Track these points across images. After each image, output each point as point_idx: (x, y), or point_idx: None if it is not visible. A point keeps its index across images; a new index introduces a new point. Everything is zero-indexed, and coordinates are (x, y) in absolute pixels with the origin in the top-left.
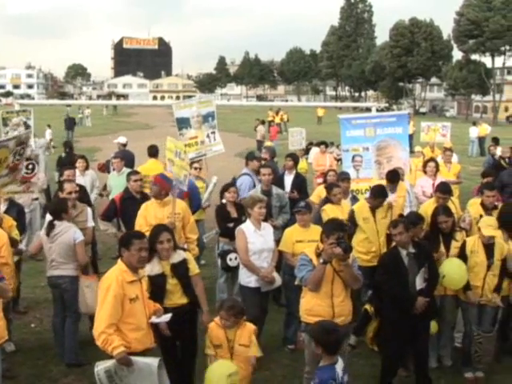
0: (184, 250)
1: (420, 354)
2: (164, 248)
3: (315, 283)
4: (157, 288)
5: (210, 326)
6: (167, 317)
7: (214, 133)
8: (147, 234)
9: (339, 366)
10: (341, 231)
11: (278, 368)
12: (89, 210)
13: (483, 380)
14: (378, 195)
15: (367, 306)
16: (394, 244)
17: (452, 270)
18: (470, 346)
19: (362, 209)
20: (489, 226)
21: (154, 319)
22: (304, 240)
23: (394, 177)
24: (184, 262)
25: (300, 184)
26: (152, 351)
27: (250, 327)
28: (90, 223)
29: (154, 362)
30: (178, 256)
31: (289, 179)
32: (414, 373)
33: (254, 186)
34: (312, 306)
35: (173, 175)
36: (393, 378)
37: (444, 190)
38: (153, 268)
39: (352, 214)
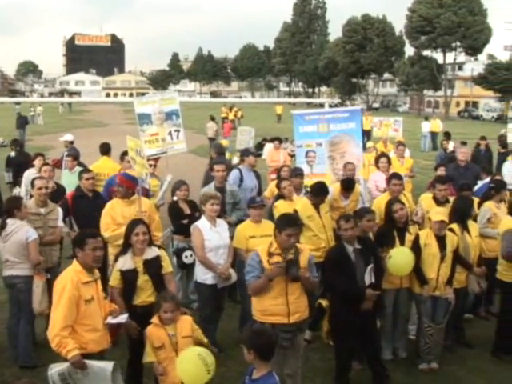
0: (159, 247)
1: (373, 347)
2: (139, 240)
3: (256, 293)
4: (128, 284)
5: (147, 330)
6: (123, 317)
7: (178, 131)
8: (115, 232)
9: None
10: (294, 226)
11: (234, 364)
12: (59, 209)
13: (438, 371)
14: (317, 193)
15: (321, 301)
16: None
17: (399, 256)
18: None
19: (305, 207)
20: (437, 213)
21: (110, 320)
22: (256, 235)
23: (350, 184)
24: (157, 258)
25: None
26: (118, 351)
27: (188, 318)
28: (60, 223)
29: (108, 365)
30: (151, 252)
31: None
32: (368, 366)
33: (241, 180)
34: (266, 307)
35: (137, 173)
36: (348, 373)
37: (399, 176)
38: (125, 263)
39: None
